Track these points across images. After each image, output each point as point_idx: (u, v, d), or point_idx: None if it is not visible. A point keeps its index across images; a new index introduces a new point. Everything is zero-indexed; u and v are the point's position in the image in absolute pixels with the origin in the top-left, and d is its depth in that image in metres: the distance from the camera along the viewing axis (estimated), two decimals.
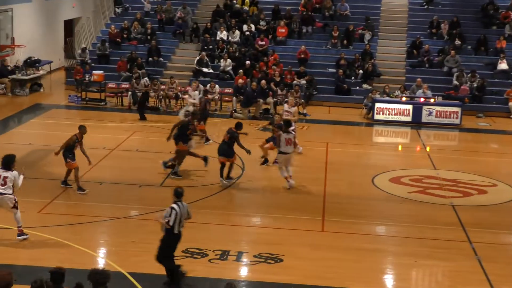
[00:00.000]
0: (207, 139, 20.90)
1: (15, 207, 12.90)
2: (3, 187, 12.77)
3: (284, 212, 15.44)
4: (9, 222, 13.30)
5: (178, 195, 11.49)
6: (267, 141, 19.06)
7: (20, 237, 12.96)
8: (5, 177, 12.78)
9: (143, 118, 23.78)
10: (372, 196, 17.00)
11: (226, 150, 17.19)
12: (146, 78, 25.32)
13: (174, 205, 11.30)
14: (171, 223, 11.20)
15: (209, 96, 23.67)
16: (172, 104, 25.96)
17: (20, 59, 28.08)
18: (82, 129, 16.20)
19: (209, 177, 17.76)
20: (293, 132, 18.09)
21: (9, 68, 27.28)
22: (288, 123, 17.87)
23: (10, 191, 12.82)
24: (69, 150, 15.88)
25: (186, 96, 24.13)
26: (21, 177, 13.12)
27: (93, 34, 33.00)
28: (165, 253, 11.44)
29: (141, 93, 24.62)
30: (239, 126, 17.63)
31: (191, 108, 21.29)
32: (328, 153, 20.64)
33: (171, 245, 11.47)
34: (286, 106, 21.52)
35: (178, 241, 11.55)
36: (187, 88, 25.01)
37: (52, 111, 24.43)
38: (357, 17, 32.12)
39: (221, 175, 17.19)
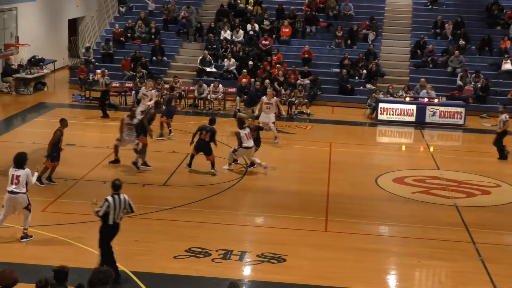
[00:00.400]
0: (160, 135, 21.09)
1: (27, 208, 12.88)
2: (16, 186, 12.69)
3: (287, 212, 15.44)
4: (12, 220, 13.31)
5: (115, 187, 11.58)
6: None
7: (23, 240, 12.99)
8: (18, 176, 12.72)
9: (105, 116, 23.62)
10: (375, 196, 16.99)
11: (205, 147, 17.81)
12: (107, 77, 24.75)
13: (109, 197, 11.41)
14: (100, 214, 11.33)
15: (175, 93, 24.26)
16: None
17: (24, 58, 28.12)
18: (64, 123, 16.24)
19: (212, 177, 17.78)
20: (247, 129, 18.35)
21: (13, 67, 27.32)
22: (241, 122, 18.51)
23: (24, 190, 12.77)
24: (54, 147, 15.90)
25: (141, 95, 23.51)
26: (35, 174, 13.26)
27: (97, 33, 33.03)
28: (100, 242, 11.52)
29: (100, 91, 24.27)
30: (212, 121, 18.29)
31: (142, 108, 21.10)
32: (331, 153, 20.64)
33: (105, 235, 11.52)
34: (265, 99, 21.94)
35: (114, 233, 11.55)
36: (143, 89, 23.72)
37: (56, 110, 24.46)
38: (361, 17, 32.10)
39: (189, 164, 17.97)
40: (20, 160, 12.86)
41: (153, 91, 23.40)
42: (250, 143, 18.07)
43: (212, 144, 18.00)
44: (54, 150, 15.97)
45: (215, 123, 18.37)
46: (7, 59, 26.66)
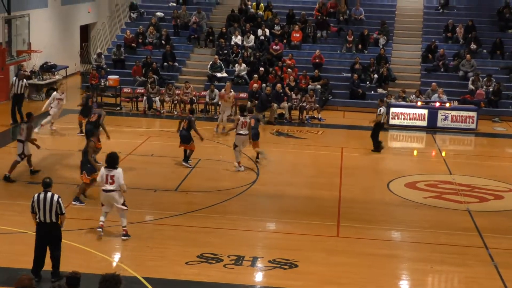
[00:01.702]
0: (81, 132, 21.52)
1: (124, 204, 13.49)
2: (112, 185, 13.32)
3: (299, 217, 15.43)
4: (23, 226, 13.36)
5: (43, 185, 11.71)
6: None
7: (125, 238, 13.50)
8: (112, 176, 13.32)
9: (15, 121, 22.96)
10: (387, 201, 16.94)
11: (185, 137, 18.72)
12: (26, 81, 23.66)
13: (35, 194, 11.56)
14: (30, 210, 11.55)
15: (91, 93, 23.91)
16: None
17: (36, 64, 28.26)
18: (96, 133, 16.59)
19: (225, 182, 17.80)
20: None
21: (25, 73, 27.43)
22: (243, 107, 19.35)
23: (118, 188, 13.38)
24: (86, 159, 15.82)
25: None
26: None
27: (108, 39, 33.16)
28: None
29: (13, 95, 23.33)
30: (192, 111, 19.58)
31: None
32: (343, 158, 20.61)
33: (36, 234, 11.65)
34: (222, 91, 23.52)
35: (42, 233, 11.52)
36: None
37: (68, 115, 24.51)
38: (372, 21, 32.08)
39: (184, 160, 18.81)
40: (113, 160, 13.45)
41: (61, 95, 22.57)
42: (245, 131, 18.64)
43: (194, 134, 18.91)
44: (88, 162, 15.68)
45: (194, 112, 19.69)
46: (20, 65, 26.78)
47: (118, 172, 13.38)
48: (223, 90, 23.71)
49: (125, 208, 13.58)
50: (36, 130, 20.09)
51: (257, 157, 19.65)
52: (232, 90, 23.99)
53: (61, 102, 22.18)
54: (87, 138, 18.21)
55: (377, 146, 21.35)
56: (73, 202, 15.37)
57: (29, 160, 17.44)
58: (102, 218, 13.66)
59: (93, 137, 16.44)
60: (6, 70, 26.22)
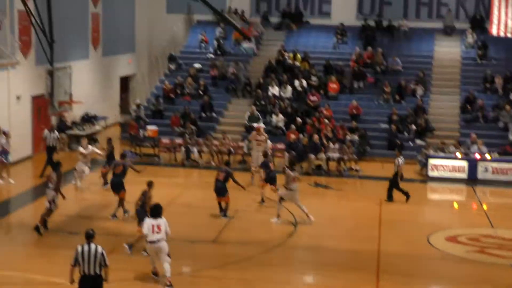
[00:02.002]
0: (106, 183, 21.42)
1: (168, 254, 13.77)
2: (160, 234, 13.60)
3: (338, 270, 15.24)
4: (59, 276, 13.41)
5: (86, 236, 11.64)
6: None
7: None
8: (159, 225, 13.63)
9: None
10: (427, 255, 16.65)
11: (220, 189, 18.74)
12: (57, 134, 24.12)
13: (78, 246, 11.52)
14: (72, 263, 11.46)
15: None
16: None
17: (77, 114, 28.75)
18: (152, 185, 16.44)
19: (263, 233, 17.71)
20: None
21: (67, 123, 27.97)
22: (292, 161, 19.70)
23: (165, 237, 13.69)
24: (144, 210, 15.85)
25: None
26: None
27: (147, 90, 33.65)
28: None
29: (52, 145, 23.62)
30: (227, 163, 20.07)
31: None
32: (381, 210, 20.40)
33: (79, 285, 11.52)
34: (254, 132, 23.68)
35: (85, 284, 11.42)
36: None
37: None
38: (409, 72, 32.06)
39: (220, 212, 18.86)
40: (158, 211, 13.79)
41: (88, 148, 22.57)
42: (295, 186, 18.64)
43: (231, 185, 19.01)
44: (145, 214, 15.46)
45: (229, 164, 20.14)
46: (61, 116, 27.28)
47: (164, 222, 13.72)
48: (254, 132, 23.77)
49: (169, 259, 13.71)
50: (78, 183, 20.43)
51: (262, 201, 20.52)
52: (265, 134, 24.01)
53: (86, 157, 22.09)
54: (115, 191, 18.38)
55: (406, 194, 21.35)
56: (125, 245, 15.50)
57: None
58: (154, 264, 14.03)
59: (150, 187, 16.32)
60: (47, 121, 26.71)
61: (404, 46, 34.27)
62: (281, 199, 18.70)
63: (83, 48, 30.21)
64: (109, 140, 22.58)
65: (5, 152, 22.06)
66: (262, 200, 20.64)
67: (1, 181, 22.02)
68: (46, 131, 23.39)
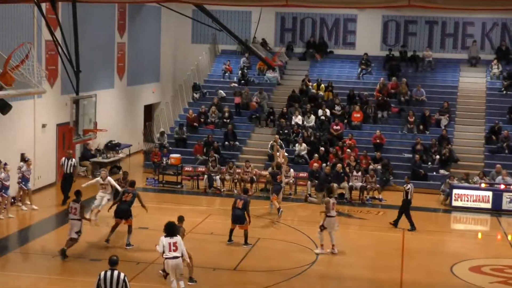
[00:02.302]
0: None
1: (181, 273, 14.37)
2: (176, 252, 14.17)
3: None
4: None
5: (110, 262, 11.63)
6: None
7: None
8: (175, 243, 14.21)
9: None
10: (451, 286, 16.47)
11: (239, 216, 18.80)
12: (74, 161, 23.93)
13: (102, 272, 11.51)
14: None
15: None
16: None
17: (101, 142, 29.00)
18: (182, 220, 16.21)
19: (284, 262, 17.62)
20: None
21: (91, 151, 28.21)
22: (330, 189, 19.77)
23: (181, 254, 14.25)
24: None
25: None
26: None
27: (171, 118, 33.89)
28: None
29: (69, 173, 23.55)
30: (245, 191, 20.21)
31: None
32: (404, 240, 20.22)
33: None
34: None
35: None
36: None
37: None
38: (434, 102, 31.95)
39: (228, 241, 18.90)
40: (173, 229, 14.37)
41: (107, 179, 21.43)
42: (334, 213, 18.62)
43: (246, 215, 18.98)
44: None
45: (247, 192, 20.16)
46: (86, 144, 27.53)
47: (179, 239, 14.26)
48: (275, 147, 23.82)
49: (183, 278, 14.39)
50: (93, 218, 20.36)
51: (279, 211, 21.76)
52: (285, 153, 24.19)
53: (105, 189, 21.09)
54: (123, 218, 18.35)
55: (412, 224, 21.38)
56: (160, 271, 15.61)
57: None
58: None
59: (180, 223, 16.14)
60: (72, 149, 26.96)
61: (429, 77, 34.22)
62: (323, 227, 18.42)
63: (108, 77, 30.57)
64: (125, 174, 22.15)
65: (25, 179, 22.25)
66: (279, 210, 22.04)
67: (25, 208, 22.21)
68: (63, 159, 23.54)
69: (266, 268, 17.09)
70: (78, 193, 17.71)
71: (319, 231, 18.53)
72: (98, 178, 21.71)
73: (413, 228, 21.22)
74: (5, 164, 21.46)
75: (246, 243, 18.83)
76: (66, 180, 23.33)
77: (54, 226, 21.13)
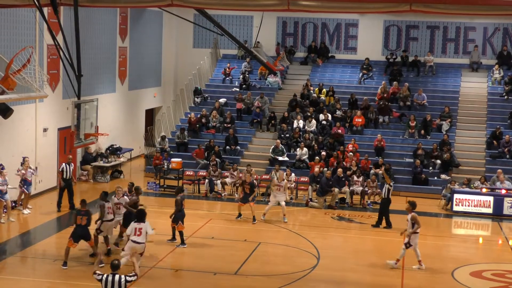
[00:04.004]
0: None
1: (142, 254, 15.85)
2: (139, 237, 15.63)
3: None
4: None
5: (111, 266, 12.01)
6: None
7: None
8: (140, 229, 15.65)
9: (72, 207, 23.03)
10: None
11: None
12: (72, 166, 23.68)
13: (103, 275, 11.85)
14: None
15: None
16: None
17: (102, 147, 29.01)
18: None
19: (285, 266, 17.61)
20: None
21: (92, 155, 28.23)
22: (413, 203, 18.42)
23: (144, 240, 15.76)
24: None
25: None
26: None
27: (172, 122, 33.92)
28: None
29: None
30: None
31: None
32: None
33: None
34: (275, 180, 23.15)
35: None
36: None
37: None
38: (435, 107, 31.96)
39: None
40: (142, 215, 15.94)
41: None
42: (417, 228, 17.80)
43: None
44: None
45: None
46: (87, 148, 27.55)
47: (146, 225, 15.79)
48: (275, 179, 23.32)
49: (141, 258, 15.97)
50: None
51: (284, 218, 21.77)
52: (285, 178, 23.87)
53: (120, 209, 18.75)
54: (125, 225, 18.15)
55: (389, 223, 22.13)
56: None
57: (107, 239, 17.92)
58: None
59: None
60: (73, 153, 27.00)
61: (430, 82, 34.29)
62: (409, 245, 17.80)
63: (110, 82, 30.62)
64: (138, 190, 19.59)
65: (27, 183, 22.25)
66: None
67: (25, 211, 22.20)
68: (64, 164, 23.39)
69: (267, 273, 17.07)
70: (105, 193, 18.14)
71: (403, 246, 17.89)
72: (113, 197, 18.89)
73: (389, 226, 22.07)
74: (2, 168, 21.49)
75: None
76: (69, 187, 23.26)
77: (55, 230, 21.13)
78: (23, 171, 22.18)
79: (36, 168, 23.41)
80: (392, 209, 24.33)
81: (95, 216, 17.94)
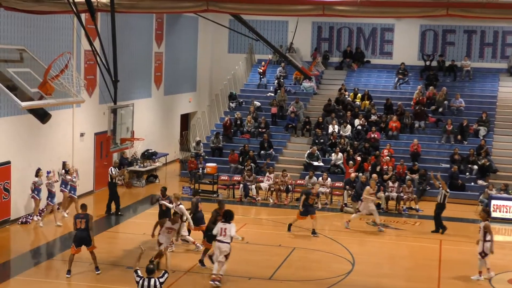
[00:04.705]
0: None
1: (226, 257, 16.02)
2: (224, 237, 15.91)
3: None
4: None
5: (147, 271, 11.97)
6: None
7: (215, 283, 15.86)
8: (225, 229, 15.96)
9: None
10: None
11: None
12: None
13: (140, 280, 11.89)
14: None
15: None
16: (282, 197, 26.09)
17: (138, 151, 29.26)
18: (221, 205, 17.64)
19: (320, 271, 17.56)
20: None
21: (128, 160, 28.49)
22: (488, 212, 18.76)
23: (229, 240, 15.98)
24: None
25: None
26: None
27: (207, 127, 34.07)
28: None
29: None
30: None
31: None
32: (441, 251, 19.99)
33: None
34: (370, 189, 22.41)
35: None
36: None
37: None
38: (472, 112, 31.60)
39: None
40: (230, 216, 16.21)
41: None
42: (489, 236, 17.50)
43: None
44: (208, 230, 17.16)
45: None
46: (122, 153, 27.80)
47: (231, 227, 16.02)
48: (368, 187, 22.53)
49: (226, 261, 16.20)
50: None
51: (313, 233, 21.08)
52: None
53: (172, 232, 17.48)
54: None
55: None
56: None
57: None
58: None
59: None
60: (109, 157, 27.28)
61: (467, 86, 33.92)
62: (484, 254, 17.51)
63: (145, 87, 30.88)
64: (197, 202, 19.40)
65: (73, 188, 22.47)
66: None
67: (66, 215, 22.46)
68: (112, 168, 23.66)
69: (302, 278, 17.03)
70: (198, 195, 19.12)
71: (479, 257, 17.56)
72: (167, 223, 17.52)
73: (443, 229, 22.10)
74: (48, 172, 21.84)
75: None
76: (116, 189, 23.53)
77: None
78: (68, 177, 22.39)
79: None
80: (423, 215, 24.20)
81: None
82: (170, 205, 19.03)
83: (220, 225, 16.16)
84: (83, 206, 17.15)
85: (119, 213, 23.15)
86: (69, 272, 16.51)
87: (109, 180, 23.32)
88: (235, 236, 16.16)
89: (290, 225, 21.47)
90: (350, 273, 17.59)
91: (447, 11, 14.82)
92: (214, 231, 16.23)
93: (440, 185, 22.38)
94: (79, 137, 25.40)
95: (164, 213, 19.10)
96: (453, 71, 34.29)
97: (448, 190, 22.36)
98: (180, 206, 18.48)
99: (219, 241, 16.03)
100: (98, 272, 16.55)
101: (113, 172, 23.29)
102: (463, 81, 34.16)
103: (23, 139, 22.08)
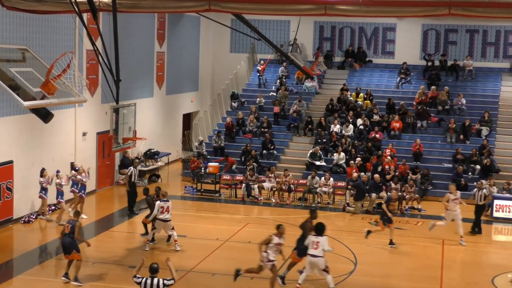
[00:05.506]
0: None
1: (325, 270, 15.42)
2: (316, 251, 15.21)
3: None
4: None
5: (150, 270, 11.98)
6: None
7: None
8: (318, 242, 15.24)
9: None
10: None
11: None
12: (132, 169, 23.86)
13: (143, 279, 11.86)
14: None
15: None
16: (285, 196, 26.09)
17: (140, 151, 29.26)
18: (314, 214, 16.90)
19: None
20: None
21: (130, 159, 28.44)
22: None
23: (322, 254, 15.27)
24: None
25: None
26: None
27: (210, 127, 34.07)
28: None
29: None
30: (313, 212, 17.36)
31: None
32: (444, 251, 19.98)
33: None
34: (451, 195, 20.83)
35: None
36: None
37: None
38: (474, 111, 31.57)
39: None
40: (321, 229, 15.44)
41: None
42: None
43: None
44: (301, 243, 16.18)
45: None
46: (125, 152, 27.80)
47: (323, 240, 15.29)
48: (449, 193, 21.51)
49: (328, 274, 15.51)
50: None
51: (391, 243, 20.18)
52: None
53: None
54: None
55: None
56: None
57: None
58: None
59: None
60: (112, 157, 27.29)
61: (469, 86, 33.89)
62: None
63: (147, 86, 30.88)
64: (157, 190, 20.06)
65: (83, 187, 22.42)
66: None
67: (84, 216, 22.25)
68: (131, 168, 23.59)
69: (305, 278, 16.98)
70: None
71: None
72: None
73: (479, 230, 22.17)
74: (58, 171, 21.97)
75: None
76: (135, 190, 23.58)
77: (94, 233, 21.33)
78: (79, 176, 22.35)
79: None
80: (425, 215, 24.17)
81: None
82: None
83: (312, 238, 15.50)
84: (77, 213, 16.82)
85: (135, 211, 23.19)
86: (66, 274, 16.17)
87: (129, 180, 23.31)
88: (327, 249, 15.48)
89: (369, 232, 20.45)
90: (352, 273, 17.58)
91: (449, 11, 14.81)
92: (306, 242, 15.60)
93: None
94: (81, 137, 25.41)
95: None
96: (455, 71, 34.27)
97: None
98: (157, 202, 18.84)
99: (313, 255, 15.38)
100: (80, 284, 15.92)
101: (134, 172, 23.39)
102: (465, 80, 34.13)
103: (26, 139, 22.10)
